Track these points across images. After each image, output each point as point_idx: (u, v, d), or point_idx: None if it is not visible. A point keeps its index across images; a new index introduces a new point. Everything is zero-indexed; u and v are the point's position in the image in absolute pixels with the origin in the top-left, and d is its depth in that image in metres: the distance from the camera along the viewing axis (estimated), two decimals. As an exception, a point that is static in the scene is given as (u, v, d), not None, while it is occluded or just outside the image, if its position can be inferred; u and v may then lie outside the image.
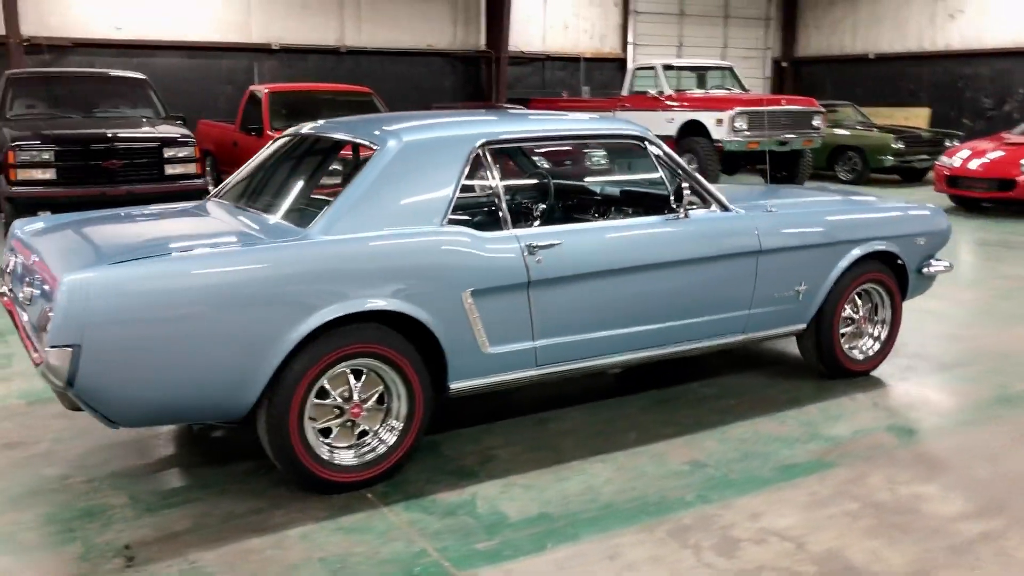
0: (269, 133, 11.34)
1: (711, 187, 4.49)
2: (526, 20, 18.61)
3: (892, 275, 5.02)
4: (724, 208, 4.46)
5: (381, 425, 3.67)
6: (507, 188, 4.40)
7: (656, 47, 20.05)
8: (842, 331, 4.97)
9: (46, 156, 9.37)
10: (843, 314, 4.91)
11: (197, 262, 3.29)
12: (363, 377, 3.59)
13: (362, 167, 3.73)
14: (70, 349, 3.00)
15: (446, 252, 3.66)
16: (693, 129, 14.29)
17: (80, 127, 9.94)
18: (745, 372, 5.16)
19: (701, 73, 16.19)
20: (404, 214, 3.66)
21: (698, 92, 15.12)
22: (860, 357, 5.04)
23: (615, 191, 5.15)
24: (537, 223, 4.85)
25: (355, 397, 3.58)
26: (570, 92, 18.91)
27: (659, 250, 4.21)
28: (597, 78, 19.50)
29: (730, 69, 16.05)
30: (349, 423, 3.60)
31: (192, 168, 10.06)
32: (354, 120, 4.43)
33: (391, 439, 3.66)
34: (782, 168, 14.92)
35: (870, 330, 5.09)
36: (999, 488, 3.65)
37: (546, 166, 5.69)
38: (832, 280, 4.76)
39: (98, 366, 3.05)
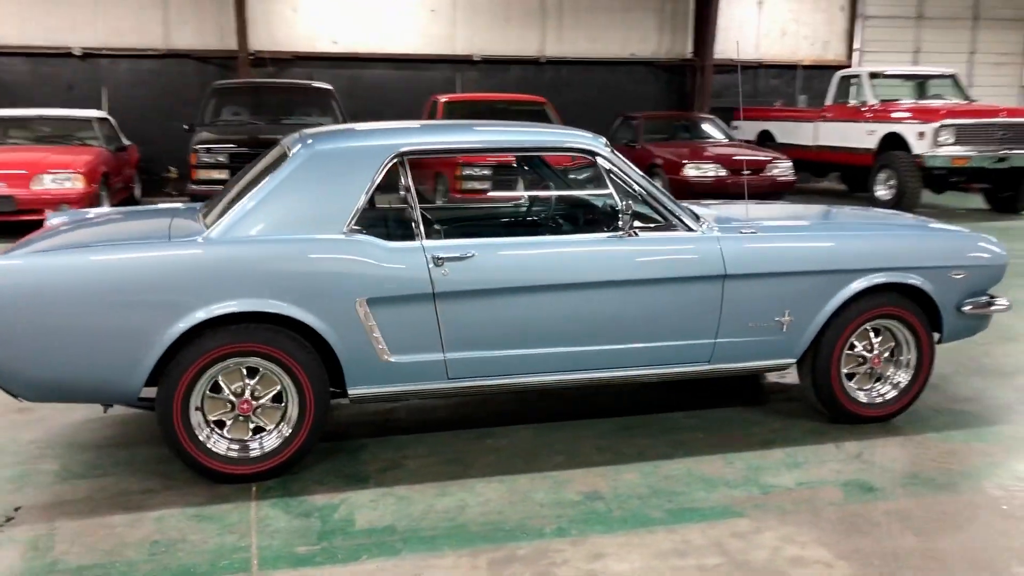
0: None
1: (673, 205, 4.21)
2: (739, 27, 17.96)
3: (918, 312, 4.43)
4: (688, 228, 4.16)
5: (278, 424, 3.81)
6: (428, 198, 4.39)
7: (887, 53, 18.61)
8: (850, 371, 4.46)
9: (221, 159, 10.41)
10: (848, 351, 4.41)
11: (82, 257, 3.60)
12: (258, 375, 3.75)
13: (270, 173, 3.89)
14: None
15: (338, 259, 3.74)
16: (895, 143, 13.16)
17: (260, 133, 10.92)
18: (747, 407, 4.76)
19: (920, 82, 14.86)
20: (307, 220, 3.77)
21: (906, 102, 13.87)
22: (871, 401, 4.50)
23: (568, 206, 4.95)
24: (470, 236, 4.74)
25: (246, 394, 3.74)
26: (785, 101, 18.02)
27: (593, 269, 4.01)
28: (816, 87, 18.38)
29: (952, 77, 14.58)
30: (242, 418, 3.77)
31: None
32: (310, 130, 4.54)
33: (280, 438, 3.79)
34: (1005, 188, 13.36)
35: (890, 373, 4.52)
36: (907, 566, 3.15)
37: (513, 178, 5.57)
38: (828, 312, 4.28)
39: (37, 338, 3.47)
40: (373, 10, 16.12)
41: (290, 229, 3.75)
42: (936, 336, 4.54)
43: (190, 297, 3.57)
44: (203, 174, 10.42)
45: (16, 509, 3.56)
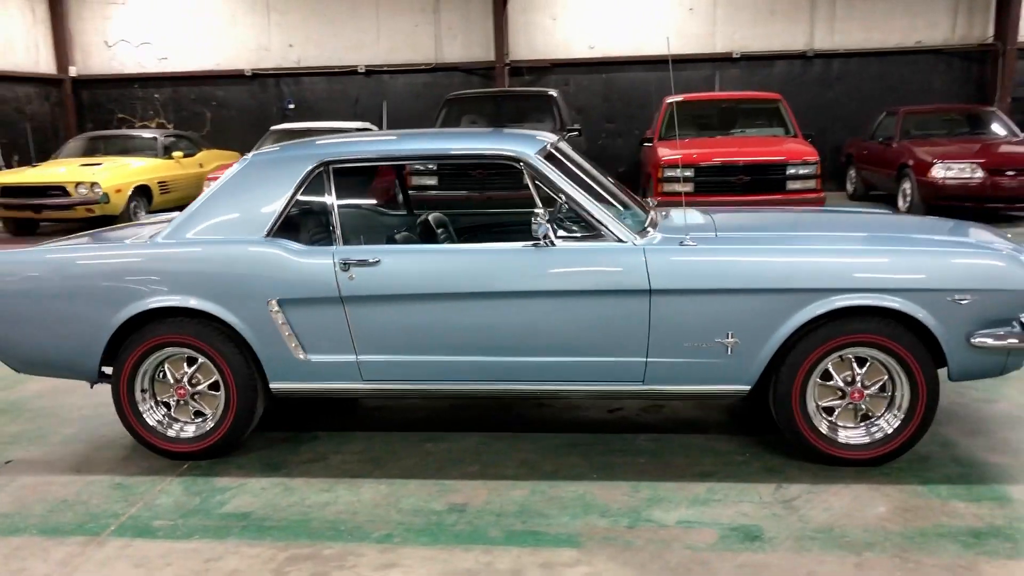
0: (658, 143, 11.71)
1: (603, 215, 3.96)
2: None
3: (911, 341, 3.77)
4: (617, 239, 3.92)
5: (215, 410, 4.20)
6: (348, 206, 4.52)
7: None
8: (828, 405, 3.92)
9: (431, 165, 11.15)
10: (824, 382, 3.88)
11: (46, 256, 4.23)
12: (197, 363, 4.17)
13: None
14: (-34, 310, 4.21)
15: (252, 262, 4.03)
16: None
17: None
18: (738, 435, 4.34)
19: None
20: (235, 224, 4.12)
21: None
22: (850, 441, 3.91)
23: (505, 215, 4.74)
24: (389, 242, 4.76)
25: (184, 380, 4.18)
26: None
27: (501, 279, 3.93)
28: None
29: None
30: (183, 402, 4.21)
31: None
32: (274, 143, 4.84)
33: (213, 423, 4.18)
34: None
35: (878, 411, 3.90)
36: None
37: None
38: (781, 337, 3.80)
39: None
40: (630, 13, 16.16)
41: (222, 232, 4.11)
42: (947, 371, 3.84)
43: (131, 291, 4.07)
44: (416, 180, 11.23)
45: (6, 463, 4.29)
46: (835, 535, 3.32)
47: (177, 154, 13.74)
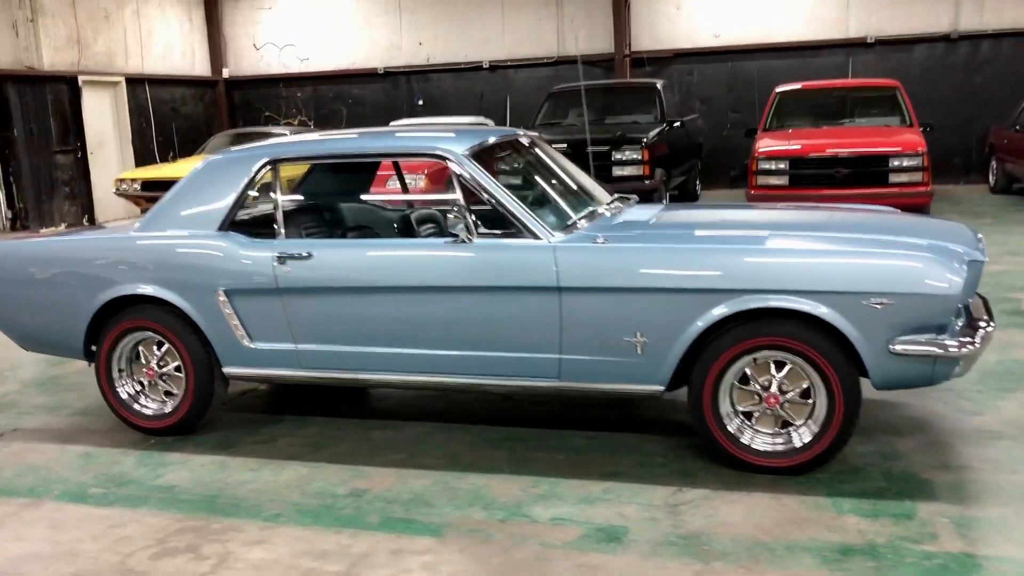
0: (762, 133, 11.37)
1: (522, 212, 3.98)
2: None
3: (827, 347, 3.59)
4: (535, 236, 3.94)
5: (181, 390, 4.56)
6: (297, 201, 4.70)
7: None
8: (747, 409, 3.80)
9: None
10: (743, 386, 3.77)
11: (38, 247, 4.70)
12: (163, 347, 4.54)
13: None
14: (-24, 294, 4.77)
15: (201, 254, 4.34)
16: None
17: (575, 133, 11.54)
18: (682, 437, 4.25)
19: None
20: (192, 219, 4.44)
21: None
22: (765, 448, 3.77)
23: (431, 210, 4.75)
24: (336, 236, 4.91)
25: (152, 362, 4.56)
26: None
27: (421, 274, 4.05)
28: None
29: None
30: (152, 383, 4.59)
31: (635, 170, 10.87)
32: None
33: (175, 403, 4.53)
34: None
35: (800, 418, 3.74)
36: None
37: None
38: (689, 337, 3.72)
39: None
40: (758, 0, 15.62)
41: (182, 226, 4.45)
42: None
43: (104, 280, 4.47)
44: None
45: (13, 430, 4.82)
46: (697, 542, 3.23)
47: (305, 150, 14.53)
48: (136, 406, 4.59)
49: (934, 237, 3.88)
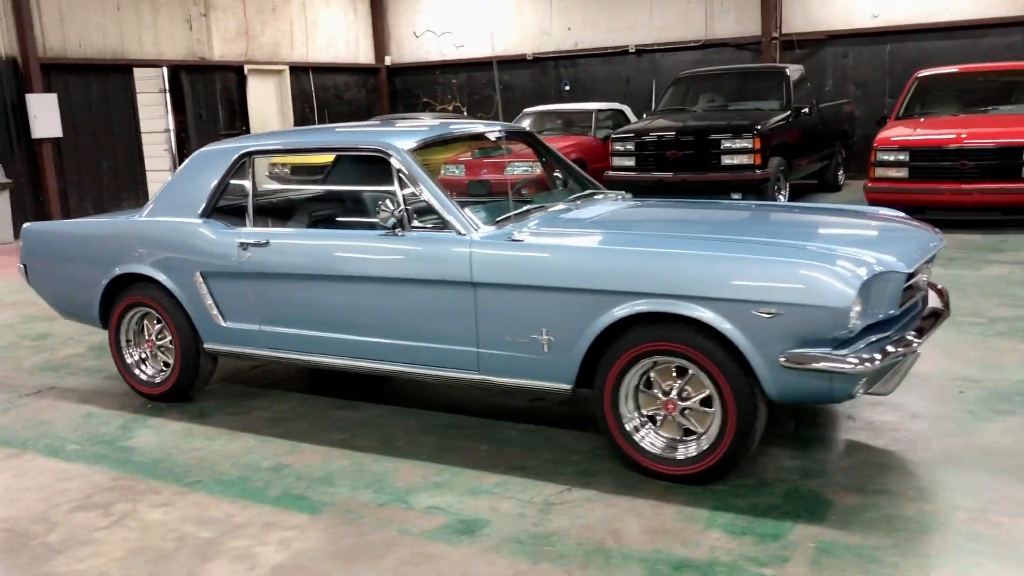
0: (892, 122, 10.72)
1: (450, 206, 4.06)
2: None
3: (719, 355, 3.46)
4: (459, 231, 4.02)
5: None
6: (267, 191, 4.91)
7: None
8: (652, 413, 3.74)
9: (629, 147, 11.20)
10: (646, 390, 3.70)
11: (68, 226, 5.24)
12: (160, 322, 4.98)
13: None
14: (23, 266, 5.39)
15: (184, 239, 4.72)
16: None
17: (686, 120, 11.32)
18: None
19: None
20: (182, 206, 4.82)
21: None
22: (664, 455, 3.68)
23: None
24: (296, 224, 5.06)
25: (147, 335, 5.02)
26: None
27: (358, 264, 4.23)
28: None
29: None
30: (153, 353, 5.05)
31: (745, 159, 10.50)
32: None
33: (169, 371, 4.96)
34: None
35: (703, 426, 3.63)
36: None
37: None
38: (589, 337, 3.69)
39: (31, 278, 5.36)
40: (922, -24, 14.54)
41: (175, 212, 4.85)
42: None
43: (110, 259, 4.96)
44: (616, 162, 11.33)
45: (50, 388, 5.44)
46: (544, 542, 3.23)
47: (446, 135, 15.00)
48: (138, 372, 5.06)
49: (859, 244, 3.64)
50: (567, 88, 17.56)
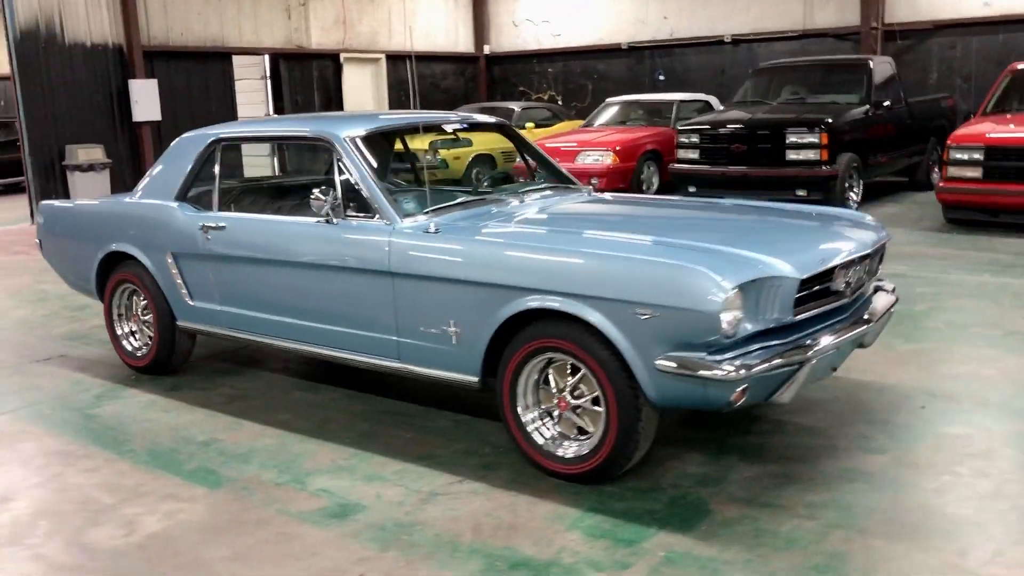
0: (976, 118, 10.13)
1: (380, 197, 4.11)
2: None
3: (606, 356, 3.40)
4: (386, 221, 4.09)
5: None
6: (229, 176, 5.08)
7: None
8: (549, 410, 3.72)
9: (694, 139, 10.96)
10: (545, 386, 3.69)
11: (75, 206, 5.59)
12: (143, 301, 5.26)
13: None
14: (39, 241, 5.80)
15: (158, 220, 4.97)
16: None
17: (756, 113, 10.99)
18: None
19: None
20: (161, 189, 5.07)
21: None
22: (556, 452, 3.66)
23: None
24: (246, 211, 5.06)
25: (139, 311, 5.31)
26: None
27: (296, 250, 4.35)
28: None
29: None
30: (139, 328, 5.35)
31: (811, 154, 10.11)
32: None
33: (149, 346, 5.25)
34: None
35: (592, 426, 3.59)
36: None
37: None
38: (489, 332, 3.70)
39: (44, 252, 5.77)
40: (1041, -40, 13.57)
41: (156, 195, 5.11)
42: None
43: (103, 238, 5.28)
44: (680, 154, 11.11)
45: (60, 356, 5.83)
46: (402, 531, 3.28)
47: (529, 125, 15.03)
48: (126, 344, 5.38)
49: (759, 247, 3.48)
50: (661, 78, 17.28)
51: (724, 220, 4.32)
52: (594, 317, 3.36)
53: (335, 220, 4.20)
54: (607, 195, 5.10)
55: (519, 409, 3.71)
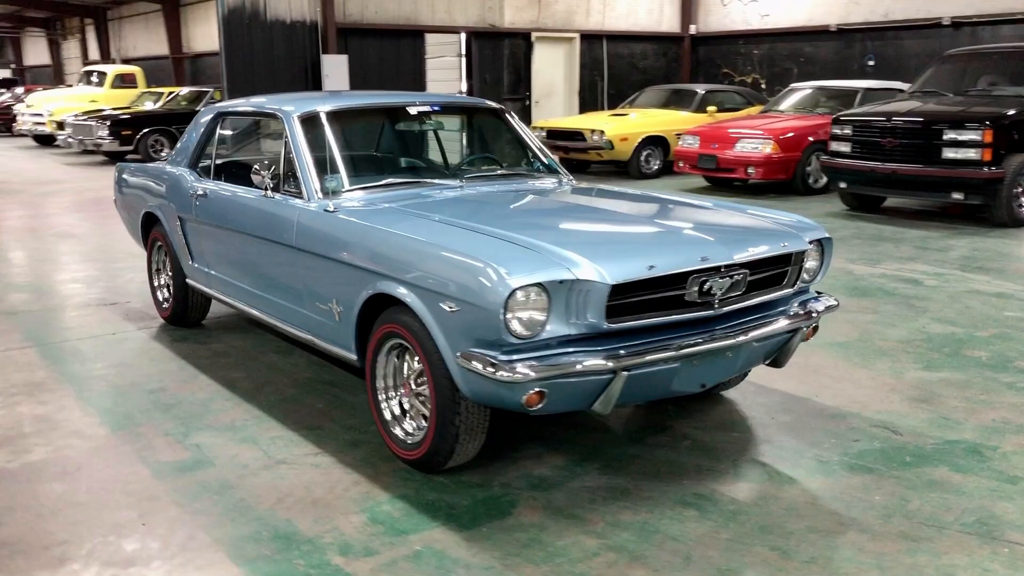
0: None
1: (307, 173, 4.22)
2: None
3: (430, 345, 3.37)
4: (306, 199, 4.22)
5: (173, 284, 5.79)
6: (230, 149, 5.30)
7: None
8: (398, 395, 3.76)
9: (847, 131, 10.15)
10: (395, 365, 3.72)
11: (138, 168, 6.19)
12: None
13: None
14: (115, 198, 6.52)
15: (169, 184, 5.43)
16: None
17: (922, 104, 9.99)
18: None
19: None
20: (181, 157, 5.52)
21: None
22: (398, 436, 3.68)
23: None
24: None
25: (165, 267, 5.85)
26: None
27: (241, 220, 4.61)
28: None
29: None
30: (167, 282, 5.88)
31: (971, 153, 9.06)
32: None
33: (169, 294, 5.76)
34: None
35: (425, 409, 3.59)
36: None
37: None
38: (354, 313, 3.76)
39: (117, 207, 6.47)
40: None
41: (177, 163, 5.57)
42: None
43: (142, 199, 5.85)
44: (833, 146, 10.32)
45: (111, 304, 6.53)
46: (230, 494, 3.43)
47: (711, 108, 14.56)
48: (158, 295, 5.94)
49: (582, 248, 3.26)
50: (871, 63, 16.03)
51: (602, 216, 4.12)
52: (418, 307, 3.33)
53: (271, 194, 4.41)
54: (579, 187, 4.87)
55: (379, 391, 3.75)
